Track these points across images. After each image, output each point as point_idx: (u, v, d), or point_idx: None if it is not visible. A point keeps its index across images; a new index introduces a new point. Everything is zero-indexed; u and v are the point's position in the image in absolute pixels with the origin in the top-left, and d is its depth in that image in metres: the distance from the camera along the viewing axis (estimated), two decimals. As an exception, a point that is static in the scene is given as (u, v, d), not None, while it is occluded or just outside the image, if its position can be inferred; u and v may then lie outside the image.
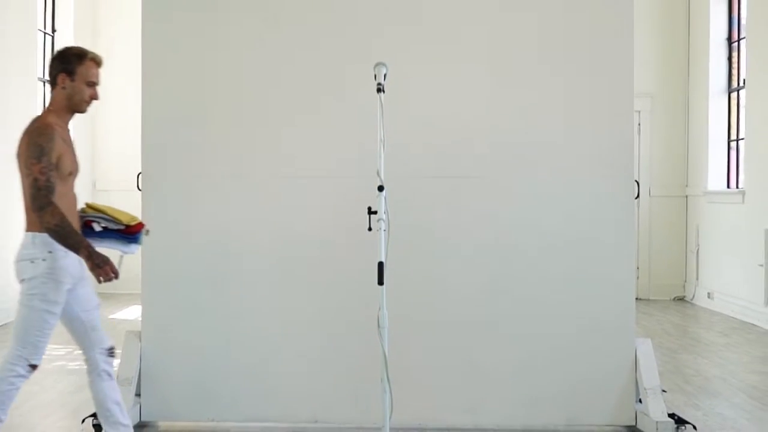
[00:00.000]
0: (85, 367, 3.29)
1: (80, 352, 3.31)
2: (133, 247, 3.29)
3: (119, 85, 7.83)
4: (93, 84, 3.20)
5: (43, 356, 3.19)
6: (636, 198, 4.09)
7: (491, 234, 4.05)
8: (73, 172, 3.19)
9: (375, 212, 3.16)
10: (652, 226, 9.01)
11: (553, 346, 4.03)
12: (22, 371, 3.11)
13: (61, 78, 3.16)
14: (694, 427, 3.94)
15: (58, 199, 3.06)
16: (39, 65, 8.18)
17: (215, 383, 4.01)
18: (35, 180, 3.01)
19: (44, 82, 8.43)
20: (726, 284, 8.02)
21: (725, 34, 8.52)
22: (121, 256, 3.32)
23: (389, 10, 4.09)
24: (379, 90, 3.28)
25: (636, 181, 4.10)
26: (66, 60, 3.18)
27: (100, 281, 3.04)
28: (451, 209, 4.05)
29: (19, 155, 3.10)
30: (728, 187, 8.44)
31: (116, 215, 3.27)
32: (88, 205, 3.31)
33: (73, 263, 3.14)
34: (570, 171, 4.05)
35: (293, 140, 4.07)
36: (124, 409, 3.34)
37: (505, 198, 4.06)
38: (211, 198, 4.07)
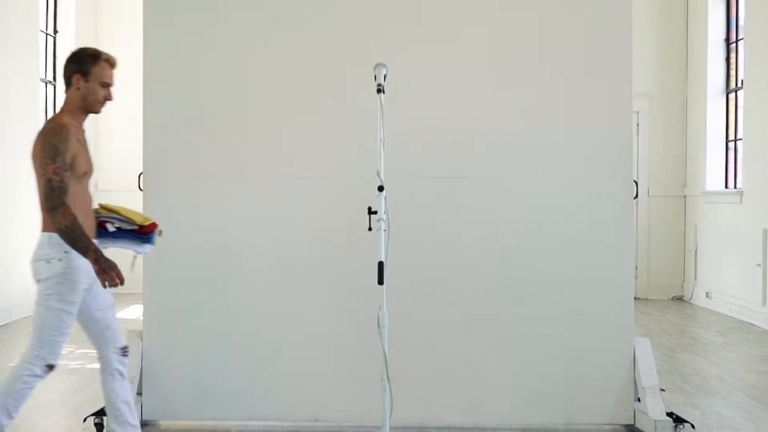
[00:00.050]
0: (98, 365, 3.30)
1: (94, 350, 3.33)
2: (147, 247, 3.31)
3: (120, 85, 7.85)
4: (107, 85, 3.22)
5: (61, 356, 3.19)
6: (635, 198, 4.11)
7: (491, 234, 4.06)
8: (88, 172, 3.20)
9: (375, 212, 3.17)
10: (650, 226, 9.04)
11: (552, 346, 4.05)
12: (39, 371, 3.12)
13: (76, 78, 3.18)
14: (693, 426, 3.95)
15: (74, 198, 3.08)
16: (41, 66, 8.20)
17: (216, 382, 4.02)
18: (49, 180, 3.02)
19: (46, 83, 8.45)
20: (724, 284, 8.04)
21: (723, 35, 8.54)
22: (135, 257, 3.35)
23: (389, 10, 4.10)
24: (379, 91, 3.29)
25: (635, 181, 4.12)
26: (80, 61, 3.20)
27: (105, 286, 3.05)
28: (451, 209, 4.06)
29: (34, 155, 3.11)
30: (726, 187, 8.47)
31: (130, 215, 3.29)
32: (102, 206, 3.33)
33: (89, 263, 3.16)
34: (569, 171, 4.06)
35: (293, 140, 4.08)
36: (134, 409, 3.35)
37: (505, 198, 4.07)
38: (212, 198, 4.09)
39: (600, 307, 4.05)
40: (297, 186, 4.06)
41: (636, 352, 4.04)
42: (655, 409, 3.92)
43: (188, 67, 4.09)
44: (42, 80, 8.27)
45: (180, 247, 4.05)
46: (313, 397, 4.03)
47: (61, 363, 5.37)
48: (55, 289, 3.10)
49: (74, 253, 3.07)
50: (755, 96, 7.56)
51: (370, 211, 3.21)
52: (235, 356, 4.04)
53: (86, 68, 3.18)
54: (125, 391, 3.32)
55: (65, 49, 8.70)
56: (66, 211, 3.01)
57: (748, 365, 5.72)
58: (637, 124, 8.91)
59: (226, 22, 4.11)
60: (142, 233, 3.29)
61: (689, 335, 6.98)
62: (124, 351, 3.32)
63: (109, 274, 3.02)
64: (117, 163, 8.71)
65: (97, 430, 3.86)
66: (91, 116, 3.27)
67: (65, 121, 3.13)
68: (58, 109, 8.79)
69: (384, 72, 3.36)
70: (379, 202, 3.13)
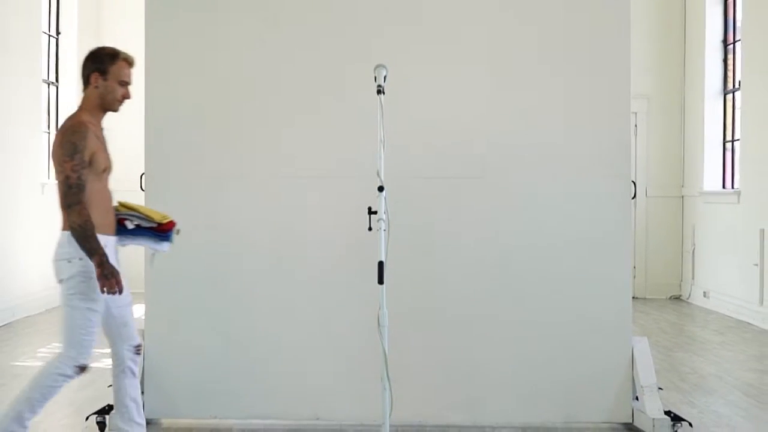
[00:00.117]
0: (100, 363, 3.32)
1: (108, 346, 3.36)
2: (165, 245, 3.35)
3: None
4: (125, 83, 3.26)
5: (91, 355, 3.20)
6: (633, 198, 4.13)
7: (490, 233, 4.08)
8: (108, 168, 3.23)
9: (375, 212, 3.19)
10: (648, 226, 9.07)
11: (551, 345, 4.07)
12: (69, 371, 3.14)
13: (95, 77, 3.21)
14: (690, 425, 3.98)
15: (94, 195, 3.11)
16: (43, 67, 8.22)
17: (217, 381, 4.04)
18: (67, 177, 3.06)
19: (48, 84, 8.47)
20: (721, 283, 8.07)
21: (721, 37, 8.57)
22: (153, 254, 3.37)
23: (389, 10, 4.11)
24: (379, 92, 3.31)
25: (633, 181, 4.14)
26: (99, 60, 3.23)
27: (103, 291, 3.07)
28: (451, 209, 4.08)
29: (53, 153, 3.14)
30: (724, 187, 8.50)
31: (148, 213, 3.33)
32: (121, 204, 3.36)
33: (111, 259, 3.17)
34: (568, 171, 4.08)
35: (293, 140, 4.09)
36: (141, 408, 3.37)
37: (504, 198, 4.09)
38: (213, 198, 4.10)
39: (598, 306, 4.07)
40: (297, 186, 4.08)
41: (634, 351, 4.06)
42: (653, 407, 3.95)
43: (189, 67, 4.11)
44: (44, 81, 8.29)
45: (182, 246, 4.03)
46: (313, 395, 4.05)
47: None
48: (77, 288, 3.11)
49: None
50: (752, 97, 7.59)
51: (370, 211, 3.23)
52: (236, 355, 4.06)
53: (105, 67, 3.21)
54: (135, 389, 3.34)
55: (68, 50, 8.74)
56: (81, 211, 3.03)
57: (746, 364, 5.75)
58: (636, 125, 8.94)
59: (226, 22, 4.12)
60: (160, 231, 3.33)
61: (687, 334, 7.01)
62: (138, 349, 3.35)
63: (109, 280, 3.05)
64: (119, 163, 8.63)
65: (99, 428, 3.88)
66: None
67: (84, 119, 3.16)
68: (60, 110, 8.85)
69: (384, 73, 3.38)
70: (379, 203, 3.15)
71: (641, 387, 4.00)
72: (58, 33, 8.73)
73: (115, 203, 3.34)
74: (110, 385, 3.45)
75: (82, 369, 3.16)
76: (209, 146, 4.09)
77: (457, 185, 4.07)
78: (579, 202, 4.08)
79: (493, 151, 4.08)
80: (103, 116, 3.29)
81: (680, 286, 9.10)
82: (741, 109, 7.96)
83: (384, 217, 3.14)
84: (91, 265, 3.08)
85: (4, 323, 6.99)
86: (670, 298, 9.08)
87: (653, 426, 3.88)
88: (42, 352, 5.93)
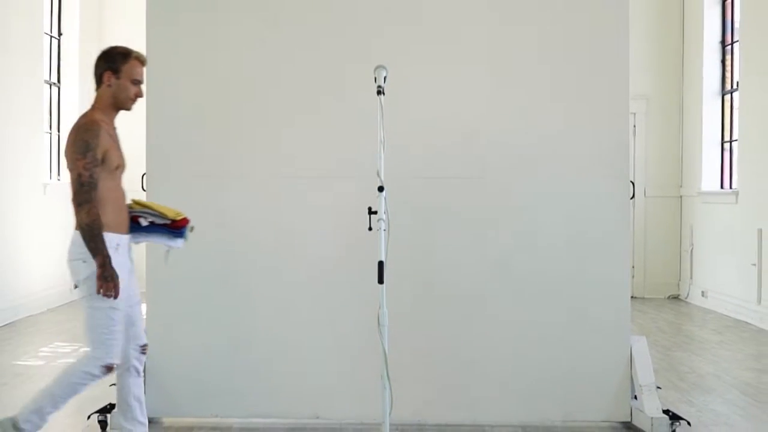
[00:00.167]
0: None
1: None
2: (179, 241, 3.36)
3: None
4: (138, 82, 3.28)
5: (116, 354, 3.21)
6: (631, 198, 4.15)
7: (490, 233, 4.10)
8: (120, 166, 3.24)
9: (375, 212, 3.21)
10: (647, 226, 9.09)
11: (550, 344, 4.08)
12: (96, 371, 3.15)
13: (107, 76, 3.23)
14: (689, 423, 4.00)
15: (107, 193, 3.13)
16: (45, 68, 8.24)
17: (218, 380, 4.05)
18: (79, 175, 3.07)
19: (50, 85, 8.49)
20: (720, 283, 8.10)
21: (719, 38, 8.60)
22: (167, 251, 3.39)
23: (389, 10, 4.13)
24: (379, 93, 3.32)
25: (631, 181, 4.16)
26: (111, 59, 3.25)
27: (99, 292, 3.09)
28: (451, 209, 4.09)
29: (66, 151, 3.16)
30: (722, 187, 8.52)
31: (162, 210, 3.34)
32: (135, 202, 3.38)
33: (123, 258, 3.19)
34: (567, 171, 4.10)
35: (293, 140, 4.10)
36: (144, 407, 3.38)
37: (504, 198, 4.10)
38: (213, 198, 4.11)
39: (597, 305, 4.09)
40: (297, 186, 4.09)
41: (633, 351, 4.08)
42: (651, 406, 3.97)
43: (190, 67, 4.12)
44: (46, 82, 8.30)
45: (182, 246, 4.08)
46: (313, 394, 4.06)
47: (65, 361, 5.46)
48: (96, 288, 3.12)
49: (109, 249, 3.10)
50: (750, 97, 7.61)
51: (370, 211, 3.24)
52: (237, 354, 4.07)
53: (117, 66, 3.23)
54: (138, 388, 3.35)
55: (69, 51, 8.76)
56: (91, 210, 3.05)
57: (744, 363, 5.77)
58: (634, 126, 8.97)
59: (226, 22, 4.13)
60: (174, 228, 3.35)
61: (685, 334, 7.03)
62: (143, 349, 3.36)
63: (108, 283, 3.06)
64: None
65: (100, 427, 3.90)
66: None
67: (96, 118, 3.18)
68: (61, 111, 8.85)
69: (384, 74, 3.39)
70: (379, 203, 3.17)
71: (640, 386, 4.02)
72: (59, 34, 8.74)
73: (129, 201, 3.36)
74: (112, 384, 3.46)
75: (109, 369, 3.18)
76: (210, 146, 4.11)
77: (457, 185, 4.09)
78: (578, 202, 4.10)
79: (492, 151, 4.10)
80: (115, 115, 3.30)
81: (678, 285, 9.12)
82: (739, 110, 7.98)
83: (384, 217, 3.16)
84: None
85: (7, 322, 7.00)
86: (669, 297, 9.10)
87: (652, 425, 3.90)
88: (44, 351, 5.94)
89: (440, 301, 4.09)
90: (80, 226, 3.07)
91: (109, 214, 3.14)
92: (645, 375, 4.03)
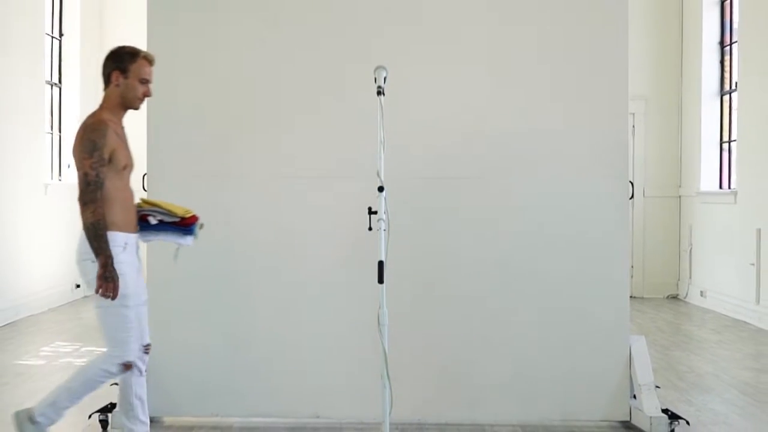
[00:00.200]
0: None
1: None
2: (189, 239, 3.38)
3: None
4: (146, 81, 3.29)
5: (134, 351, 3.25)
6: (630, 198, 4.16)
7: (489, 233, 4.11)
8: (128, 166, 3.26)
9: (375, 212, 3.22)
10: (646, 226, 9.11)
11: (549, 343, 4.09)
12: (114, 369, 3.18)
13: (115, 75, 3.24)
14: (687, 423, 4.01)
15: (115, 192, 3.14)
16: (46, 69, 8.25)
17: (219, 380, 4.06)
18: (85, 174, 3.08)
19: (51, 86, 8.50)
20: (718, 283, 8.12)
21: (718, 38, 8.61)
22: (177, 249, 3.40)
23: (389, 10, 4.13)
24: (379, 93, 3.34)
25: (630, 181, 4.17)
26: (119, 58, 3.26)
27: (97, 292, 3.10)
28: (451, 209, 4.10)
29: (74, 151, 3.17)
30: (720, 187, 8.54)
31: (171, 208, 3.36)
32: (144, 200, 3.40)
33: (132, 257, 3.21)
34: (567, 171, 4.11)
35: (293, 140, 4.11)
36: (146, 407, 3.38)
37: (503, 198, 4.11)
38: (213, 198, 4.11)
39: (596, 305, 4.10)
40: (297, 186, 4.10)
41: (632, 350, 4.09)
42: (650, 405, 3.98)
43: (190, 67, 4.13)
44: (47, 82, 8.32)
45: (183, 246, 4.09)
46: (314, 393, 4.07)
47: (66, 360, 5.48)
48: (96, 287, 3.12)
49: (117, 249, 3.12)
50: (749, 98, 7.63)
51: (370, 211, 3.26)
52: (237, 354, 4.08)
53: (125, 65, 3.24)
54: (141, 387, 3.36)
55: (70, 52, 8.78)
56: (95, 210, 3.06)
57: (742, 362, 5.79)
58: (633, 126, 8.98)
59: (226, 22, 4.14)
60: (183, 225, 3.36)
61: (684, 333, 7.05)
62: (147, 348, 3.37)
63: (107, 284, 3.07)
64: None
65: (101, 426, 3.91)
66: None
67: (104, 117, 3.19)
68: (62, 111, 8.86)
69: (384, 74, 3.40)
70: (379, 203, 3.18)
71: (639, 385, 4.03)
72: (61, 35, 8.75)
73: (137, 200, 3.37)
74: (114, 383, 3.48)
75: (127, 366, 3.20)
76: (210, 146, 4.12)
77: (457, 185, 4.10)
78: (577, 202, 4.11)
79: (492, 151, 4.11)
80: (123, 114, 3.32)
81: (677, 285, 9.14)
82: (737, 110, 7.99)
83: (384, 217, 3.17)
84: (116, 262, 3.11)
85: (8, 322, 7.01)
86: (668, 297, 9.12)
87: (651, 424, 3.91)
88: (45, 350, 5.95)
89: (440, 301, 4.10)
90: (85, 226, 3.08)
91: (116, 213, 3.15)
92: (644, 374, 4.05)
